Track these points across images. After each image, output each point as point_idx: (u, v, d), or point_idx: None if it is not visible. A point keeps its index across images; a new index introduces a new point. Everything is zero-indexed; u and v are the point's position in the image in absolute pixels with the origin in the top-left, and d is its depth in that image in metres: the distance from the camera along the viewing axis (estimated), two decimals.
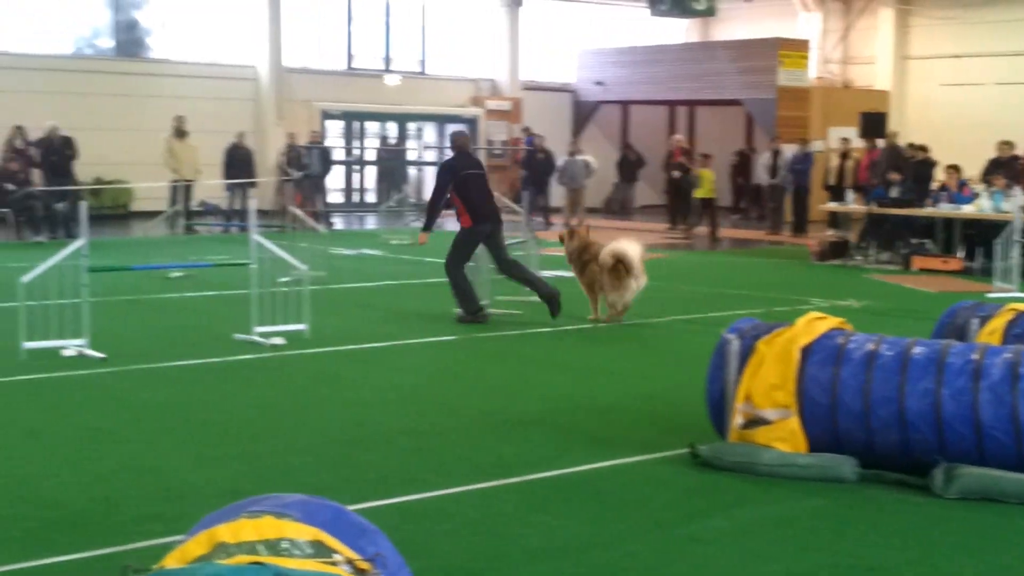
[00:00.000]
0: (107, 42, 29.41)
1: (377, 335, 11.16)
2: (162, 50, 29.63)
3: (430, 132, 34.35)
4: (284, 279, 11.68)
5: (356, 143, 33.34)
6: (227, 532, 3.25)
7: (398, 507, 5.71)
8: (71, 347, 9.75)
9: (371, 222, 28.35)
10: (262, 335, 10.46)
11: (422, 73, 33.45)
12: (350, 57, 32.44)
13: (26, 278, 9.67)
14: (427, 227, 12.89)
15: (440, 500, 5.92)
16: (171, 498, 5.86)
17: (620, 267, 11.73)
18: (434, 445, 7.04)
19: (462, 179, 12.19)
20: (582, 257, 12.26)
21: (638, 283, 11.87)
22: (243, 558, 3.11)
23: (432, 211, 12.95)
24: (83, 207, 10.20)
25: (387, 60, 32.98)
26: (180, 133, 23.75)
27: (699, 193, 24.22)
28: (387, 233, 22.64)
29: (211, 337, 10.88)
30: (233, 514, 3.39)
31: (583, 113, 34.68)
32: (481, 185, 12.35)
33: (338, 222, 26.87)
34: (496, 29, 33.96)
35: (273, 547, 3.18)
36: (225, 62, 29.98)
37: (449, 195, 12.32)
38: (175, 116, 24.04)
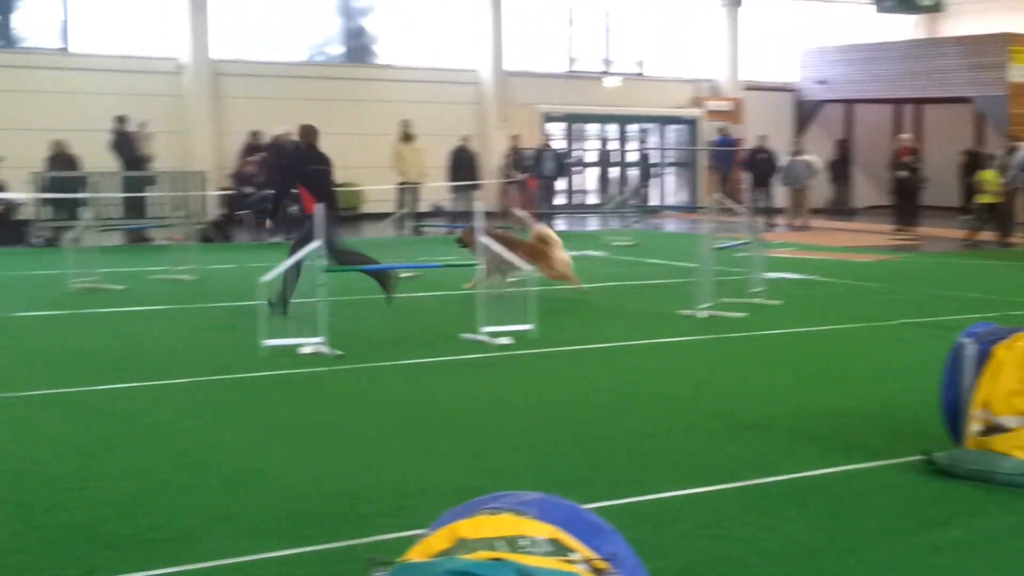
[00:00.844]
0: (338, 49, 30.35)
1: (601, 336, 11.20)
2: (388, 56, 30.40)
3: (651, 133, 34.27)
4: (509, 279, 11.85)
5: (577, 145, 33.50)
6: (467, 528, 3.32)
7: (627, 508, 5.72)
8: (309, 345, 10.12)
9: (593, 223, 28.43)
10: (489, 335, 10.64)
11: (641, 74, 33.37)
12: (570, 60, 32.61)
13: (266, 278, 10.08)
14: (272, 216, 14.28)
15: (670, 502, 5.90)
16: (405, 493, 6.01)
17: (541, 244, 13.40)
18: (661, 446, 7.03)
19: (311, 173, 13.13)
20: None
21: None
22: (483, 554, 3.18)
23: (277, 204, 14.03)
24: (319, 210, 10.55)
25: (607, 62, 33.02)
26: (407, 137, 24.33)
27: (983, 198, 22.54)
28: (609, 234, 22.66)
29: (440, 336, 11.12)
30: (473, 510, 3.46)
31: (806, 112, 34.00)
32: (326, 181, 13.29)
33: (560, 224, 27.04)
34: (716, 29, 33.62)
35: (512, 544, 3.24)
36: (448, 67, 30.57)
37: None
38: (401, 120, 24.65)
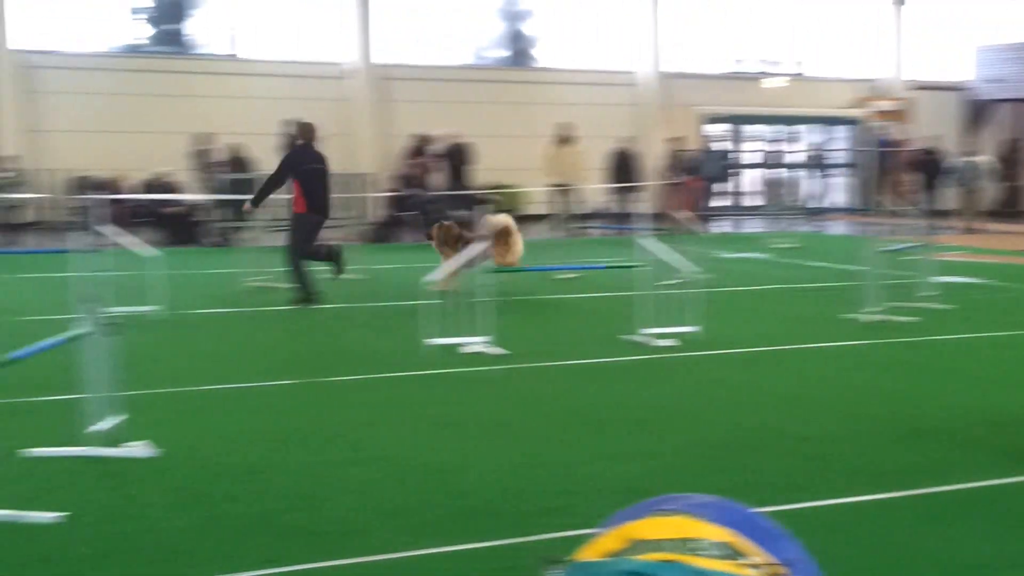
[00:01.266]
0: (499, 52, 30.61)
1: (765, 339, 11.07)
2: (548, 59, 30.53)
3: (812, 134, 33.69)
4: (670, 281, 11.78)
5: (737, 146, 33.14)
6: (640, 529, 3.32)
7: (795, 513, 5.64)
8: (473, 344, 10.24)
9: (754, 225, 28.07)
10: (652, 336, 10.60)
11: (802, 74, 32.83)
12: (731, 61, 32.27)
13: (431, 277, 10.23)
14: (255, 202, 14.37)
15: (838, 508, 5.80)
16: (572, 492, 6.04)
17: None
18: (828, 452, 6.91)
19: (304, 171, 13.77)
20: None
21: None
22: (657, 555, 3.17)
23: (263, 193, 14.19)
24: (484, 212, 10.66)
25: (767, 62, 32.58)
26: (562, 140, 24.39)
27: None
28: (772, 237, 22.36)
29: (602, 337, 11.13)
30: (645, 511, 3.45)
31: (977, 112, 32.98)
32: (321, 179, 13.94)
33: (722, 226, 26.76)
34: (880, 27, 32.86)
35: (686, 546, 3.22)
36: (608, 69, 30.55)
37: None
38: (557, 123, 24.73)
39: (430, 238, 14.74)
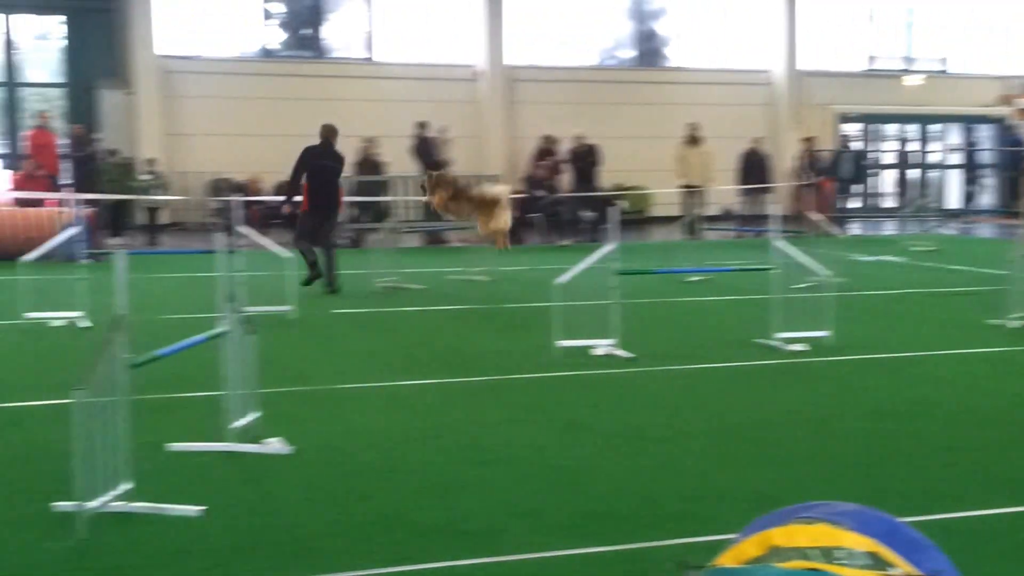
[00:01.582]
0: (628, 52, 30.50)
1: (901, 344, 10.82)
2: (679, 58, 30.32)
3: (953, 134, 32.87)
4: (802, 284, 11.60)
5: (874, 146, 32.49)
6: (781, 536, 3.26)
7: (938, 524, 5.49)
8: (601, 346, 10.21)
9: (890, 228, 27.49)
10: (783, 340, 10.44)
11: (944, 71, 32.04)
12: (869, 58, 31.65)
13: (561, 280, 10.23)
14: (286, 202, 15.52)
15: (984, 520, 5.63)
16: (703, 497, 5.97)
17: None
18: (973, 461, 6.71)
19: (313, 167, 14.79)
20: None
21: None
22: (797, 563, 3.11)
23: (289, 192, 15.29)
24: (614, 213, 10.62)
25: (908, 59, 31.88)
26: (692, 140, 24.19)
27: None
28: (909, 239, 21.86)
29: (731, 341, 11.00)
30: (786, 518, 3.39)
31: None
32: (328, 178, 14.94)
33: (857, 228, 26.27)
34: None
35: (828, 555, 3.15)
36: (740, 68, 30.23)
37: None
38: (688, 123, 24.53)
39: (424, 189, 14.26)
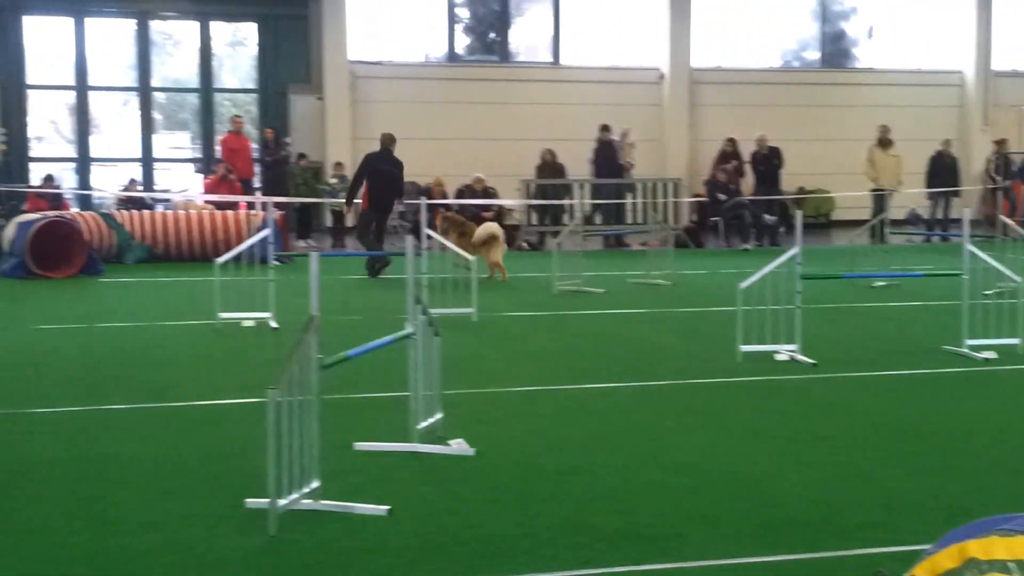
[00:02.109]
0: (813, 54, 29.97)
1: None
2: (867, 59, 29.64)
3: None
4: (992, 290, 11.22)
5: None
6: (978, 548, 3.18)
7: None
8: (783, 352, 10.07)
9: None
10: (972, 348, 10.13)
11: None
12: None
13: (744, 284, 10.12)
14: (347, 203, 18.61)
15: None
16: (889, 507, 5.84)
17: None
18: None
19: (373, 171, 17.00)
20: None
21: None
22: None
23: (350, 193, 18.11)
24: (798, 216, 10.46)
25: None
26: (884, 142, 23.63)
27: None
28: None
29: (917, 348, 10.73)
30: (983, 530, 3.31)
31: None
32: (387, 181, 17.13)
33: None
34: None
35: None
36: (930, 68, 29.39)
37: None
38: (879, 125, 23.96)
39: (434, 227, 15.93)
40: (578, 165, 23.75)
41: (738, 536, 5.42)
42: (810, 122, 28.07)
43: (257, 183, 25.08)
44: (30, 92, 26.93)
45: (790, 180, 25.30)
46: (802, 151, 26.00)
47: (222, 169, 23.20)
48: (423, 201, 13.75)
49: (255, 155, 25.58)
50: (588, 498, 6.01)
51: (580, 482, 6.32)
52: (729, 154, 24.04)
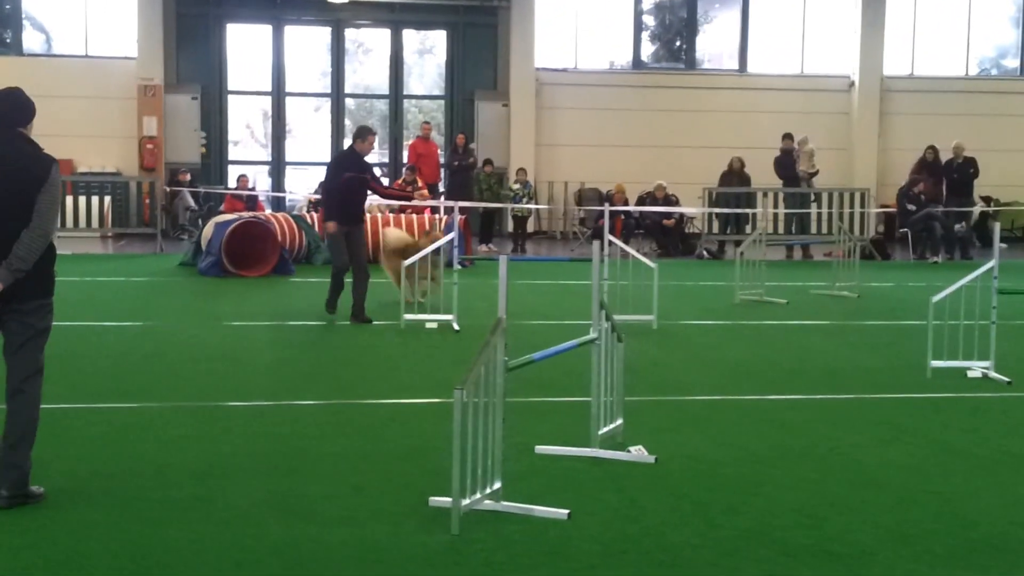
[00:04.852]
0: (1012, 62, 28.95)
1: None
2: None
3: None
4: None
5: None
6: None
7: None
8: (976, 368, 9.73)
9: None
10: None
11: None
12: None
13: (937, 297, 9.81)
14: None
15: None
16: None
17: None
18: None
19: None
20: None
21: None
22: None
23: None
24: (996, 229, 10.09)
25: None
26: None
27: None
28: None
29: None
30: None
31: None
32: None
33: None
34: None
35: None
36: None
37: None
38: None
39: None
40: (764, 174, 23.40)
41: (931, 556, 5.26)
42: (1007, 132, 27.06)
43: (442, 188, 25.45)
44: (229, 97, 27.87)
45: (980, 192, 24.49)
46: (995, 162, 25.06)
47: (407, 175, 23.65)
48: (606, 208, 13.69)
49: (442, 160, 25.98)
50: (772, 511, 5.91)
51: (763, 494, 6.22)
52: (929, 163, 23.33)
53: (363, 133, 12.88)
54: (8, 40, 26.68)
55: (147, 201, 23.13)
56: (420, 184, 21.90)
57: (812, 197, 23.37)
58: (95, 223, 22.68)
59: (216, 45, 27.19)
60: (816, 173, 23.57)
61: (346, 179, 12.53)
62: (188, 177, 25.27)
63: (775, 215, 22.61)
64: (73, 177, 23.32)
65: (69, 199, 22.01)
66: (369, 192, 12.94)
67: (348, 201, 12.59)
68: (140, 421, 7.89)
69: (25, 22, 26.86)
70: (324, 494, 6.14)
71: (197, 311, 13.68)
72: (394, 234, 14.58)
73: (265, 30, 27.81)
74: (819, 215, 23.18)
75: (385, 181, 21.69)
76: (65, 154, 24.17)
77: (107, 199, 22.73)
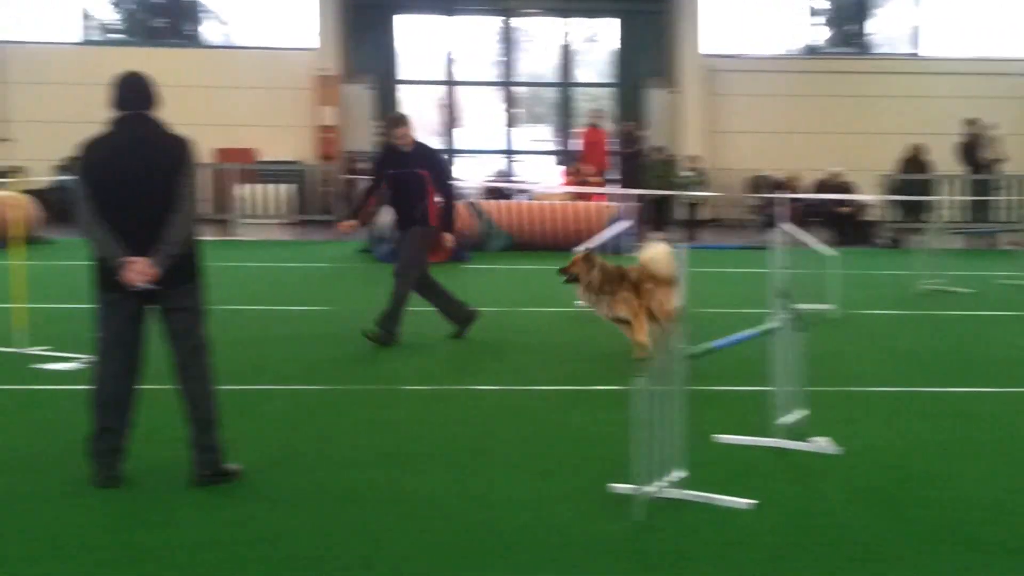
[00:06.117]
0: None
1: None
2: None
3: None
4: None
5: None
6: None
7: None
8: None
9: None
10: None
11: None
12: None
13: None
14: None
15: None
16: None
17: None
18: None
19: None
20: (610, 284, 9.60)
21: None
22: None
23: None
24: None
25: None
26: None
27: None
28: None
29: None
30: None
31: None
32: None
33: None
34: None
35: None
36: None
37: None
38: None
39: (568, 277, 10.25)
40: (940, 160, 22.73)
41: None
42: None
43: (614, 175, 25.42)
44: (400, 87, 28.33)
45: None
46: None
47: (577, 165, 23.75)
48: (780, 195, 13.49)
49: (612, 148, 25.95)
50: (964, 506, 5.77)
51: (955, 489, 6.08)
52: None
53: (390, 123, 10.77)
54: (188, 33, 27.60)
55: (327, 189, 23.71)
56: (594, 170, 21.91)
57: (997, 184, 22.61)
58: (281, 209, 23.44)
59: (386, 36, 27.68)
60: (1004, 159, 22.80)
61: (391, 176, 10.60)
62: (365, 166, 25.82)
63: (957, 203, 21.94)
64: (257, 166, 24.08)
65: (258, 187, 22.81)
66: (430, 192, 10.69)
67: (398, 201, 10.76)
68: (328, 403, 8.11)
69: (201, 15, 27.72)
70: (508, 478, 6.23)
71: (377, 297, 13.95)
72: (666, 255, 8.77)
73: (436, 20, 28.19)
74: (1007, 203, 22.42)
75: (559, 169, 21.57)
76: (246, 143, 24.97)
77: (286, 187, 23.42)
